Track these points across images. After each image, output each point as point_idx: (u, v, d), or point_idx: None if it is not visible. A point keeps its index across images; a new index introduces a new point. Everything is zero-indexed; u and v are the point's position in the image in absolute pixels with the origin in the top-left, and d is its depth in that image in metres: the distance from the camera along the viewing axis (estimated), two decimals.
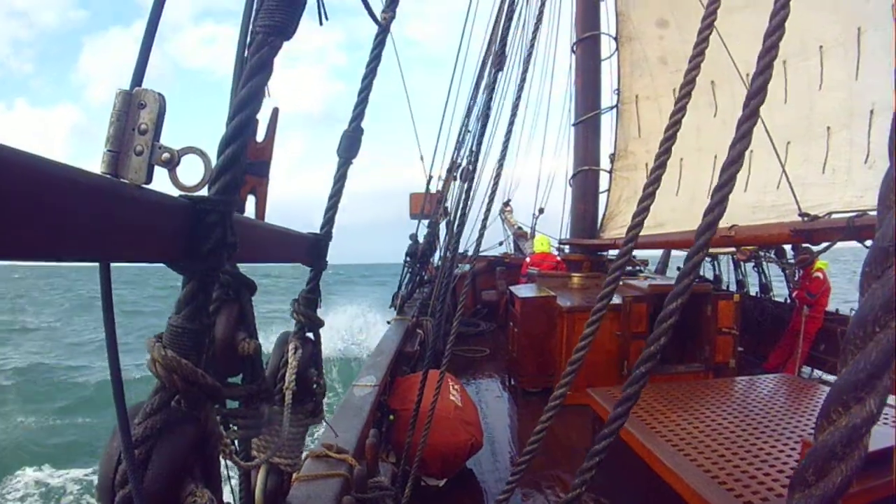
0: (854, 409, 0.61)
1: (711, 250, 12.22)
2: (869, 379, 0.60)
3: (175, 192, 1.14)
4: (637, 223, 1.47)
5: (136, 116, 1.07)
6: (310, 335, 2.28)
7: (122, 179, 1.04)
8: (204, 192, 1.18)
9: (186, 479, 1.17)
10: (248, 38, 1.67)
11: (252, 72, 1.31)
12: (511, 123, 4.33)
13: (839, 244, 5.01)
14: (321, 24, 2.14)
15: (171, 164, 1.08)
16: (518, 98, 4.32)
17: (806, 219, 5.11)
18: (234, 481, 2.20)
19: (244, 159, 1.32)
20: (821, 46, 7.40)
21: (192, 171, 1.12)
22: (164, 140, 1.08)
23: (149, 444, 1.13)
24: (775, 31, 1.25)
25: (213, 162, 1.20)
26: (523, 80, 4.42)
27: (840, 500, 0.62)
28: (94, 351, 28.02)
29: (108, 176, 1.03)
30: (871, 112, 6.64)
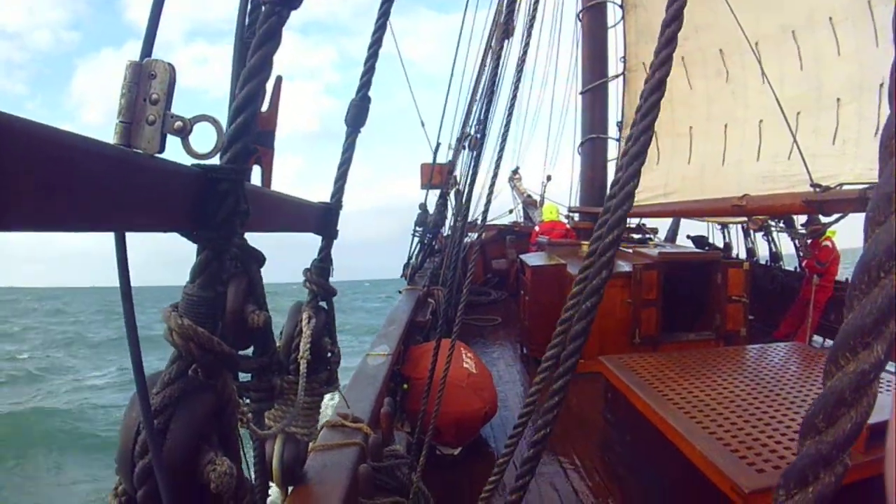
0: (861, 355, 0.61)
1: (723, 219, 12.19)
2: (875, 324, 0.60)
3: (187, 161, 1.14)
4: (612, 194, 1.44)
5: (146, 86, 1.07)
6: (323, 304, 2.29)
7: (135, 149, 1.04)
8: (216, 160, 1.18)
9: (205, 448, 1.17)
10: (249, 8, 1.68)
11: (261, 41, 1.31)
12: (514, 93, 4.32)
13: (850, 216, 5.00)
14: None
15: (184, 132, 1.08)
16: (522, 64, 4.29)
17: (818, 189, 5.08)
18: (249, 454, 2.21)
19: (255, 128, 1.32)
20: (830, 18, 7.32)
21: (204, 140, 1.12)
22: None
23: (167, 412, 1.14)
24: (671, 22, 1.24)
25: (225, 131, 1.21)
26: (527, 46, 4.40)
27: (851, 447, 0.63)
28: None
29: (121, 146, 1.03)
30: (881, 85, 6.57)
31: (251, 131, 1.28)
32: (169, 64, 1.08)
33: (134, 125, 1.05)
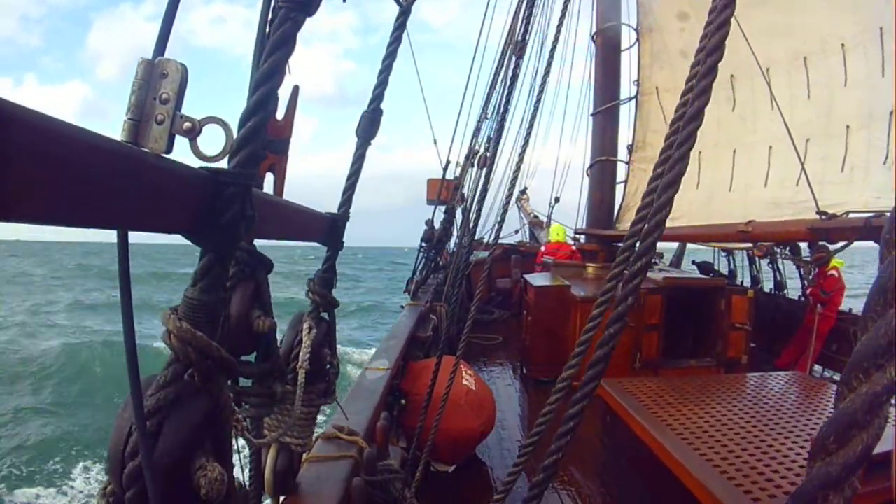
0: (874, 377, 0.61)
1: (728, 245, 12.19)
2: (889, 346, 0.60)
3: (195, 163, 1.13)
4: (640, 218, 1.45)
5: (157, 85, 1.06)
6: (324, 315, 2.28)
7: (142, 148, 1.03)
8: (224, 164, 1.17)
9: (197, 453, 1.16)
10: (270, 14, 1.67)
11: (274, 46, 1.31)
12: (533, 115, 4.34)
13: (856, 244, 4.99)
14: (344, 0, 2.13)
15: (193, 133, 1.07)
16: (542, 88, 4.32)
17: (824, 217, 5.08)
18: (245, 461, 2.20)
19: (265, 134, 1.32)
20: (842, 45, 7.34)
21: (212, 143, 1.11)
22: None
23: (161, 415, 1.13)
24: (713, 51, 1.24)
25: (235, 134, 1.20)
26: (547, 71, 4.41)
27: (861, 469, 0.62)
28: None
29: (128, 144, 1.02)
30: (892, 113, 6.58)
31: (261, 136, 1.28)
32: (181, 64, 1.08)
33: (142, 123, 1.04)
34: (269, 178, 1.88)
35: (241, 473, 2.07)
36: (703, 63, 1.25)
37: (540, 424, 1.63)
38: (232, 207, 1.17)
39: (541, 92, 4.35)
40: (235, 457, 1.45)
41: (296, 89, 1.92)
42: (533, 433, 1.64)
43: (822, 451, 0.64)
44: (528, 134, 4.32)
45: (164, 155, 1.04)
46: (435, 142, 12.80)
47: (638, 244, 1.35)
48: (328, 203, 2.35)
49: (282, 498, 2.44)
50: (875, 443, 0.61)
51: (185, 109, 1.07)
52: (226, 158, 1.17)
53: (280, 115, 1.88)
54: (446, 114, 12.78)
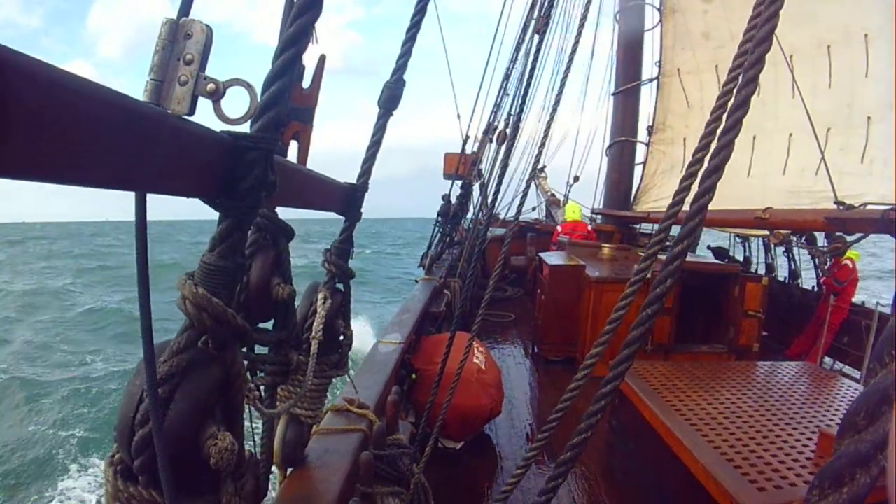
0: None
1: (744, 231, 12.13)
2: None
3: (217, 126, 1.11)
4: (678, 201, 1.44)
5: (181, 46, 1.05)
6: (339, 286, 2.27)
7: (164, 109, 1.01)
8: (246, 128, 1.15)
9: (208, 421, 1.15)
10: None
11: (301, 10, 1.28)
12: (557, 99, 4.31)
13: (872, 237, 4.95)
14: None
15: (216, 95, 1.05)
16: (567, 71, 4.28)
17: (842, 207, 5.04)
18: (257, 432, 2.20)
19: (288, 98, 1.30)
20: (866, 35, 7.27)
21: (236, 106, 1.09)
22: None
23: (173, 382, 1.12)
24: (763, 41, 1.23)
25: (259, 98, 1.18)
26: (572, 56, 4.37)
27: (888, 447, 0.60)
28: None
29: (150, 104, 1.00)
30: None
31: (285, 101, 1.26)
32: (207, 25, 1.06)
33: (165, 84, 1.03)
34: (293, 147, 1.87)
35: (252, 442, 2.07)
36: (752, 53, 1.24)
37: (565, 400, 1.62)
38: (252, 172, 1.15)
39: (565, 76, 4.30)
40: (247, 426, 1.45)
41: (322, 58, 1.89)
42: (558, 408, 1.63)
43: (851, 427, 0.62)
44: (553, 112, 4.29)
45: (187, 117, 1.02)
46: (459, 116, 12.74)
47: (679, 227, 1.35)
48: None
49: (289, 470, 2.44)
50: None
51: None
52: (248, 123, 1.15)
53: (306, 84, 1.86)
54: (459, 85, 12.70)
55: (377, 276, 46.14)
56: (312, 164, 1.93)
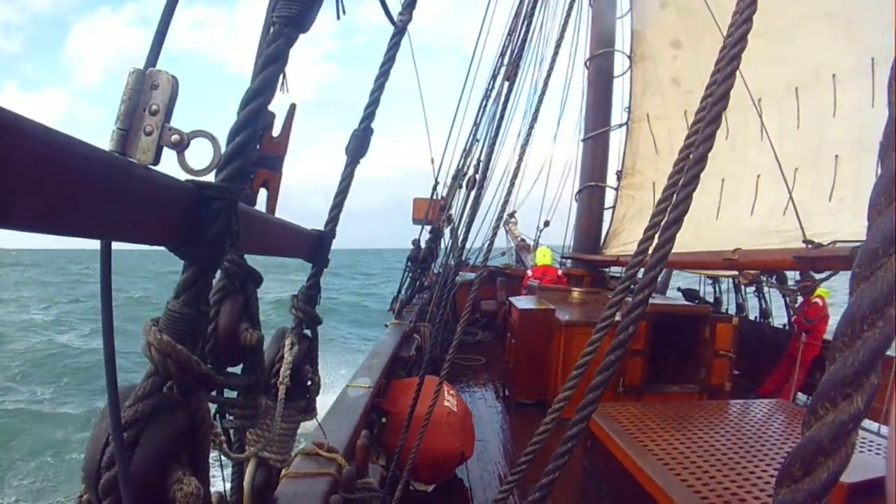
0: (841, 405, 0.63)
1: (714, 273, 12.23)
2: (856, 376, 0.62)
3: (182, 176, 1.13)
4: (642, 250, 1.48)
5: (147, 97, 1.07)
6: (307, 332, 2.27)
7: (129, 158, 1.03)
8: (211, 178, 1.17)
9: (174, 466, 1.15)
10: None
11: (266, 61, 1.31)
12: (525, 143, 4.37)
13: (842, 275, 5.00)
14: (339, 18, 2.14)
15: (181, 146, 1.07)
16: (536, 115, 4.34)
17: (810, 246, 5.10)
18: (227, 473, 2.19)
19: (254, 149, 1.32)
20: (834, 75, 7.40)
21: (200, 157, 1.11)
22: None
23: (138, 427, 1.12)
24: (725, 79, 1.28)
25: (223, 149, 1.20)
26: (542, 97, 4.43)
27: (826, 497, 0.63)
28: None
29: (115, 153, 1.02)
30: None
31: (250, 152, 1.28)
32: (172, 76, 1.08)
33: (131, 134, 1.05)
34: (262, 194, 1.88)
35: (223, 487, 2.06)
36: (709, 111, 1.29)
37: (535, 444, 1.64)
38: (217, 222, 1.17)
39: (531, 127, 4.37)
40: (220, 470, 1.45)
41: (292, 107, 1.91)
42: (528, 451, 1.65)
43: (788, 478, 0.65)
44: (518, 167, 4.35)
45: (151, 167, 1.04)
46: (432, 161, 12.77)
47: (641, 273, 1.39)
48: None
49: None
50: (841, 471, 0.62)
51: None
52: (213, 173, 1.17)
53: (276, 132, 1.88)
54: (433, 119, 12.79)
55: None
56: (292, 194, 1.94)
